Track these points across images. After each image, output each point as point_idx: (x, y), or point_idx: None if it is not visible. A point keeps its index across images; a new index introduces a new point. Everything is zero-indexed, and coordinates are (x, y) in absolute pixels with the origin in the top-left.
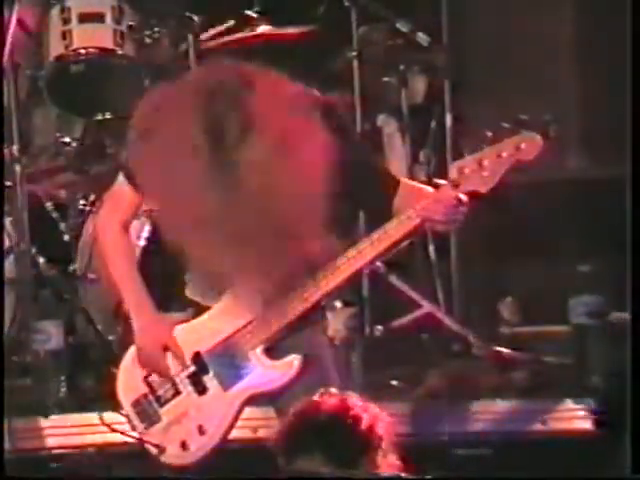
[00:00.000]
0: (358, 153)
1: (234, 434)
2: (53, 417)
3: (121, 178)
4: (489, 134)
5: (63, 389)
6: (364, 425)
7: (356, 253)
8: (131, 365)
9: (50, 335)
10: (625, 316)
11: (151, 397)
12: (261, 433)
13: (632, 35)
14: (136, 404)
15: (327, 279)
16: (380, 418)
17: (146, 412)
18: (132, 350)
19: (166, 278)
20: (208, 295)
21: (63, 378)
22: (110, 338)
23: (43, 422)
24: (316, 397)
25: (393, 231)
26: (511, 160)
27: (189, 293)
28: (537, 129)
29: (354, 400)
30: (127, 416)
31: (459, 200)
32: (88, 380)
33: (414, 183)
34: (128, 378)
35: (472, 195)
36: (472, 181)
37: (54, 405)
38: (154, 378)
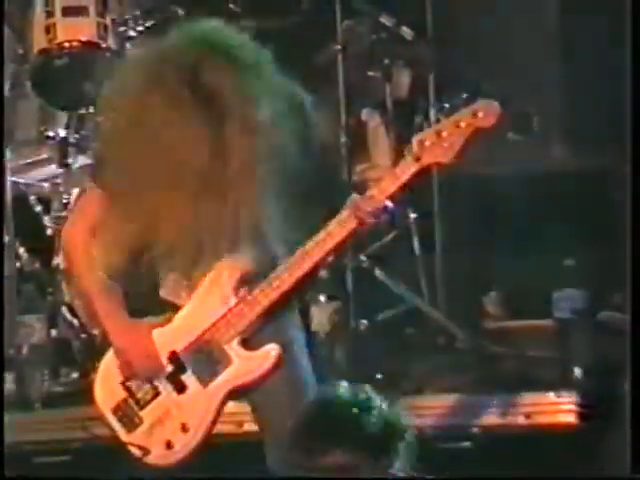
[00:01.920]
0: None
1: (220, 429)
2: (36, 411)
3: (88, 182)
4: (446, 105)
5: (46, 383)
6: (381, 417)
7: (303, 254)
8: (107, 372)
9: (33, 329)
10: (613, 315)
11: (131, 401)
12: (246, 427)
13: (632, 35)
14: (116, 410)
15: (297, 266)
16: (400, 412)
17: (127, 416)
18: (107, 358)
19: (141, 282)
20: (180, 295)
21: (46, 372)
22: (94, 331)
23: (26, 416)
24: (329, 387)
25: (336, 232)
26: (470, 129)
27: (163, 293)
28: (495, 97)
29: (368, 392)
30: (107, 422)
31: (385, 205)
32: (71, 374)
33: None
34: (106, 386)
35: (435, 166)
36: (433, 153)
37: (37, 399)
38: (132, 382)
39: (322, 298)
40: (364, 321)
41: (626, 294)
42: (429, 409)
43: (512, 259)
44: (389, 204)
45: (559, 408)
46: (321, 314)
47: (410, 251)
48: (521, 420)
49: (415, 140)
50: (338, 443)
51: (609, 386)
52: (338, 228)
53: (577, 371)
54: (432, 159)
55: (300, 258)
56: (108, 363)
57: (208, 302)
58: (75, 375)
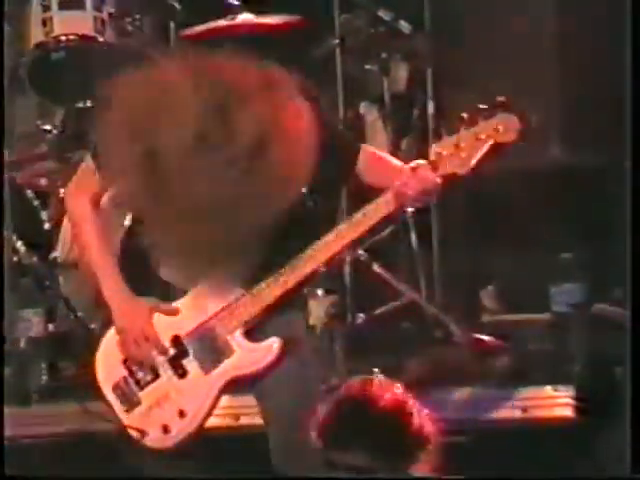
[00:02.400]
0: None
1: (217, 422)
2: (34, 405)
3: (88, 157)
4: (465, 115)
5: (44, 377)
6: (416, 423)
7: (334, 237)
8: (110, 349)
9: (31, 323)
10: (605, 307)
11: (131, 380)
12: (243, 421)
13: (632, 34)
14: (116, 387)
15: (306, 263)
16: (429, 417)
17: (126, 395)
18: (110, 334)
19: (140, 259)
20: (182, 279)
21: (44, 366)
22: (91, 326)
23: (24, 410)
24: (359, 383)
25: (372, 214)
26: (489, 142)
27: (163, 275)
28: (514, 112)
29: (404, 394)
30: (107, 400)
31: (435, 181)
32: (69, 368)
33: (380, 153)
34: (107, 362)
35: (450, 177)
36: (450, 163)
37: (35, 393)
38: (133, 361)
39: (319, 292)
40: (361, 315)
41: (626, 291)
42: (426, 403)
43: (509, 253)
44: (438, 180)
45: (556, 402)
46: (318, 308)
47: (408, 245)
48: (518, 414)
49: (433, 149)
50: (365, 445)
51: (606, 380)
52: (346, 229)
53: (574, 365)
54: (449, 169)
55: (307, 257)
56: (110, 340)
57: (215, 290)
58: (73, 369)
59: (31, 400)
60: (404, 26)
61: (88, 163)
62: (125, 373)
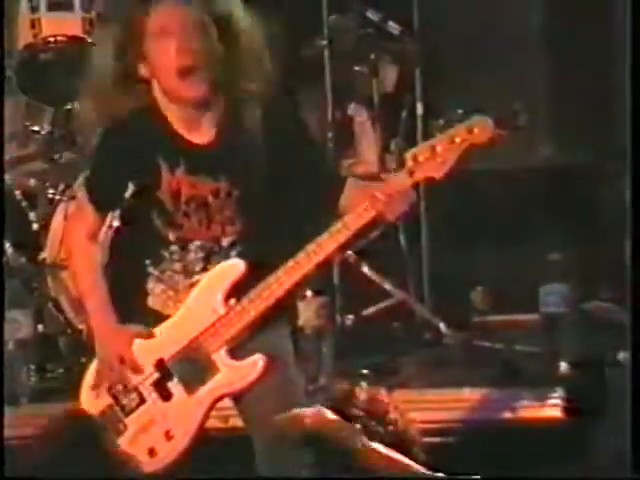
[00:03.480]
0: (306, 152)
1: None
2: (22, 406)
3: (83, 194)
4: (441, 121)
5: (32, 378)
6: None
7: (316, 247)
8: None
9: (20, 324)
10: (599, 304)
11: (116, 407)
12: (232, 423)
13: (632, 33)
14: (102, 415)
15: (288, 275)
16: (413, 421)
17: (112, 423)
18: (95, 363)
19: (129, 289)
20: (168, 305)
21: (32, 367)
22: (80, 327)
23: (12, 411)
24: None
25: (352, 223)
26: (464, 145)
27: (151, 303)
28: (492, 115)
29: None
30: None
31: (407, 191)
32: (57, 369)
33: (360, 181)
34: (93, 390)
35: (427, 181)
36: (426, 168)
37: (23, 394)
38: (118, 388)
39: (308, 293)
40: (350, 316)
41: (626, 291)
42: (415, 404)
43: (498, 254)
44: (412, 192)
45: (545, 403)
46: (307, 309)
47: (397, 246)
48: (507, 415)
49: (409, 155)
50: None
51: (595, 380)
52: (327, 239)
53: (563, 365)
54: (425, 174)
55: (290, 268)
56: (94, 368)
57: (197, 310)
58: (61, 370)
59: (19, 401)
60: (393, 27)
61: (82, 194)
62: (110, 401)
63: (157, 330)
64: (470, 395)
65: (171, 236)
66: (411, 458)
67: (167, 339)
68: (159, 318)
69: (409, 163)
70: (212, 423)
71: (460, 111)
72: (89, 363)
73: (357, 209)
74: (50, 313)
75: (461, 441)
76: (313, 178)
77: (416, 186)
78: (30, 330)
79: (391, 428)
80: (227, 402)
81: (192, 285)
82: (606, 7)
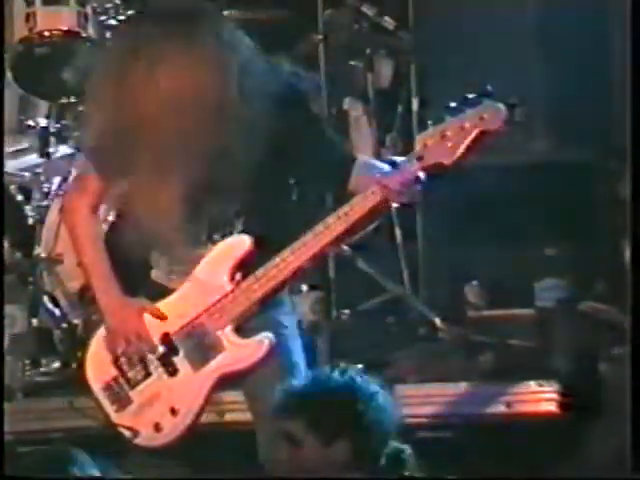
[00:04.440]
0: (317, 129)
1: (201, 419)
2: (18, 401)
3: (82, 159)
4: (452, 104)
5: (28, 373)
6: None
7: (323, 229)
8: (99, 349)
9: (15, 319)
10: (594, 305)
11: (121, 380)
12: (228, 417)
13: (632, 31)
14: (106, 388)
15: (295, 255)
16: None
17: (117, 395)
18: (99, 334)
19: (132, 262)
20: (173, 278)
21: (28, 362)
22: (75, 321)
23: (7, 406)
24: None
25: (359, 206)
26: (475, 131)
27: (154, 276)
28: (500, 99)
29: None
30: (97, 400)
31: (417, 176)
32: (53, 364)
33: (372, 160)
34: (97, 362)
35: (436, 167)
36: (435, 153)
37: (19, 389)
38: (124, 360)
39: (304, 287)
40: (346, 310)
41: (627, 291)
42: (411, 398)
43: (494, 249)
44: (421, 175)
45: (540, 397)
46: (303, 304)
47: (392, 241)
48: (502, 409)
49: (418, 139)
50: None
51: (590, 375)
52: (335, 221)
53: (558, 360)
54: (434, 159)
55: (297, 249)
56: (100, 340)
57: (203, 286)
58: (56, 365)
59: (15, 396)
60: (388, 22)
61: (84, 166)
62: (116, 373)
63: (162, 303)
64: (465, 389)
65: None
66: None
67: (173, 313)
68: (163, 291)
69: (418, 148)
70: (208, 418)
71: (472, 95)
72: (80, 365)
73: (364, 193)
74: (45, 308)
75: (456, 435)
76: (321, 157)
77: (426, 171)
78: (25, 325)
79: None
80: (223, 397)
81: (197, 258)
82: (606, 2)
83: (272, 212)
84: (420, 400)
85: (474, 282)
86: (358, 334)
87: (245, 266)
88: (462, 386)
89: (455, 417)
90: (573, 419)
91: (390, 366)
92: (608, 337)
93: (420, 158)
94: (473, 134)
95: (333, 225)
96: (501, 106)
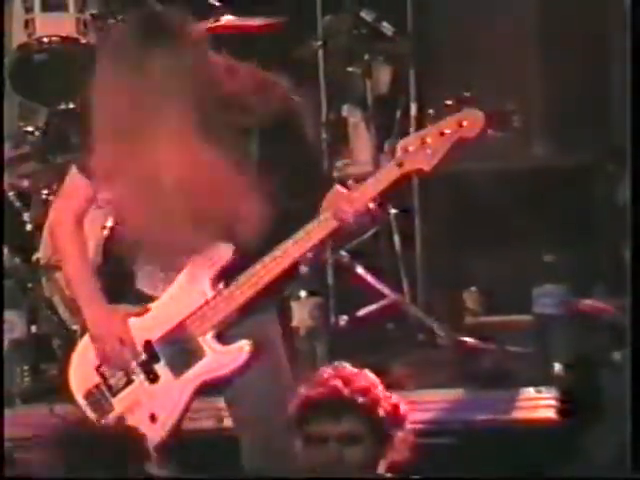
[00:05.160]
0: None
1: (200, 424)
2: (16, 407)
3: (74, 169)
4: (431, 112)
5: (27, 379)
6: (385, 407)
7: (281, 253)
8: (82, 357)
9: (13, 325)
10: (592, 305)
11: (103, 387)
12: (227, 423)
13: (632, 32)
14: (88, 395)
15: (275, 262)
16: (400, 406)
17: (99, 402)
18: (83, 343)
19: (118, 272)
20: (156, 287)
21: (27, 368)
22: (74, 327)
23: (6, 412)
24: (329, 370)
25: (314, 233)
26: (454, 137)
27: (139, 285)
28: (477, 105)
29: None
30: (79, 408)
31: (368, 207)
32: (52, 370)
33: (339, 187)
34: (80, 369)
35: (416, 173)
36: (415, 159)
37: (18, 395)
38: (106, 367)
39: (302, 293)
40: (344, 316)
41: (627, 291)
42: (408, 404)
43: (492, 255)
44: (371, 206)
45: (539, 403)
46: (301, 310)
47: (391, 247)
48: (501, 415)
49: (399, 146)
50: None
51: (588, 381)
52: (317, 228)
53: (557, 366)
54: (414, 165)
55: (278, 256)
56: (84, 347)
57: (185, 293)
58: (55, 371)
59: (14, 402)
60: (387, 27)
61: (73, 173)
62: (98, 380)
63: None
64: (464, 396)
65: None
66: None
67: (155, 321)
68: (147, 300)
69: (398, 154)
70: (206, 423)
71: (450, 102)
72: (63, 372)
73: (318, 219)
74: (44, 314)
75: (454, 442)
76: (302, 176)
77: (406, 177)
78: (24, 331)
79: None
80: (222, 402)
81: (181, 267)
82: (606, 2)
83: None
84: (418, 406)
85: (472, 288)
86: (356, 340)
87: (228, 274)
88: (460, 392)
89: (453, 423)
90: (572, 425)
91: (388, 372)
92: (607, 342)
93: (401, 164)
94: (452, 141)
95: (290, 250)
96: (479, 113)
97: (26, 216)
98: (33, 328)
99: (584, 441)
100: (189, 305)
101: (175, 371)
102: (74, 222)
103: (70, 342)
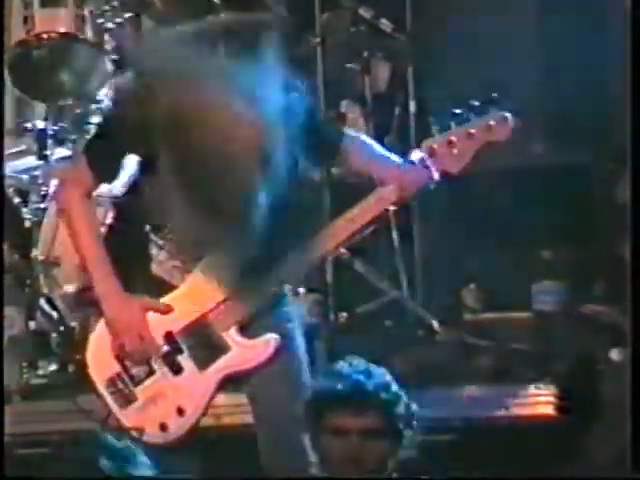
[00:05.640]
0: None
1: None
2: (15, 404)
3: (83, 159)
4: (457, 111)
5: (25, 376)
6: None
7: (332, 229)
8: (101, 345)
9: (12, 321)
10: (596, 308)
11: (125, 376)
12: (225, 420)
13: (632, 32)
14: (110, 384)
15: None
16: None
17: (121, 391)
18: (99, 330)
19: (131, 256)
20: (174, 274)
21: (25, 365)
22: (72, 324)
23: (5, 408)
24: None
25: (372, 205)
26: (482, 141)
27: (155, 270)
28: (506, 107)
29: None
30: (101, 397)
31: (433, 176)
32: (50, 366)
33: (371, 142)
34: (99, 358)
35: (442, 175)
36: (442, 161)
37: (16, 392)
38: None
39: (302, 290)
40: (344, 313)
41: (627, 291)
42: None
43: (491, 252)
44: (436, 176)
45: (538, 400)
46: (300, 307)
47: (389, 244)
48: (500, 412)
49: (424, 146)
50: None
51: (588, 378)
52: (342, 225)
53: (555, 363)
54: (441, 167)
55: (300, 253)
56: (100, 335)
57: (208, 285)
58: (54, 367)
59: (12, 398)
60: (385, 24)
61: (81, 158)
62: (119, 369)
63: (165, 300)
64: (463, 393)
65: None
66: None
67: (176, 311)
68: (163, 286)
69: (425, 154)
70: (205, 421)
71: (477, 103)
72: (82, 360)
73: (383, 191)
74: (42, 310)
75: (454, 439)
76: (311, 133)
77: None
78: (22, 327)
79: None
80: (220, 399)
81: (200, 255)
82: (606, 3)
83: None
84: (418, 403)
85: (472, 285)
86: (356, 337)
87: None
88: (459, 389)
89: (453, 420)
90: (571, 422)
91: (388, 369)
92: (606, 339)
93: (426, 167)
94: (480, 144)
95: (311, 247)
96: (509, 116)
97: (24, 212)
98: (31, 324)
99: (583, 438)
100: (212, 297)
101: (199, 364)
102: (83, 198)
103: (69, 339)
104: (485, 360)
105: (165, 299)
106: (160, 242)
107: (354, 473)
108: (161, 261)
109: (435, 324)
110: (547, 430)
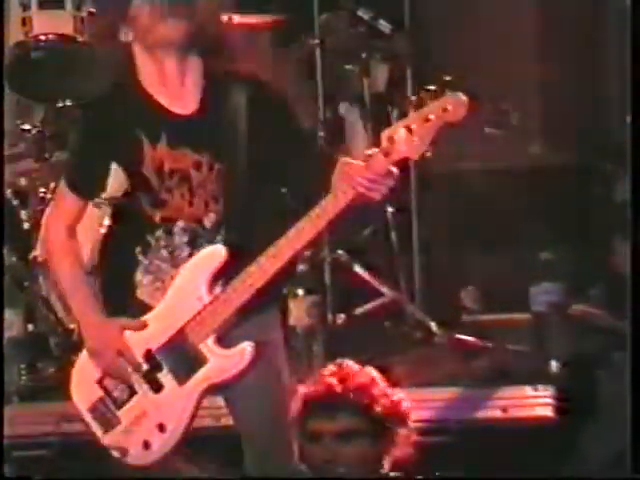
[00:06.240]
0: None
1: (197, 423)
2: (13, 405)
3: (62, 183)
4: (413, 98)
5: (24, 377)
6: (385, 404)
7: (296, 233)
8: (83, 370)
9: (10, 323)
10: (585, 309)
11: (107, 400)
12: (224, 422)
13: (632, 32)
14: (93, 409)
15: (270, 262)
16: (401, 402)
17: (104, 416)
18: (82, 356)
19: (118, 282)
20: (156, 296)
21: (24, 366)
22: (71, 326)
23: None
24: (330, 368)
25: (330, 207)
26: (439, 123)
27: (139, 295)
28: (461, 89)
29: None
30: (85, 422)
31: (388, 170)
32: (49, 368)
33: (348, 159)
34: (82, 384)
35: (403, 162)
36: (402, 148)
37: (14, 393)
38: (108, 380)
39: (300, 292)
40: (342, 315)
41: (627, 291)
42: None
43: (489, 253)
44: (393, 169)
45: (536, 402)
46: (299, 308)
47: (388, 245)
48: (498, 414)
49: (384, 135)
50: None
51: (585, 379)
52: (307, 224)
53: (553, 364)
54: (401, 154)
55: (271, 255)
56: (83, 361)
57: (182, 300)
58: (52, 369)
59: (10, 400)
60: (384, 25)
61: (62, 188)
62: (101, 393)
63: (142, 320)
64: (461, 394)
65: (157, 217)
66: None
67: (153, 330)
68: (147, 310)
69: (384, 144)
70: (204, 422)
71: (432, 88)
72: (70, 381)
73: (334, 192)
74: (41, 312)
75: (451, 440)
76: (298, 160)
77: (394, 166)
78: (21, 329)
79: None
80: (219, 401)
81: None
82: (606, 3)
83: (251, 218)
84: (415, 404)
85: (470, 287)
86: (354, 338)
87: (224, 276)
88: (457, 390)
89: (450, 422)
90: (568, 423)
91: (385, 370)
92: (604, 340)
93: (387, 154)
94: (438, 126)
95: (305, 229)
96: (463, 97)
97: (23, 214)
98: (30, 326)
99: (581, 439)
100: (187, 311)
101: (179, 379)
102: (66, 235)
103: (67, 341)
104: (483, 361)
105: (144, 317)
106: (146, 262)
107: (334, 475)
108: (146, 285)
109: (433, 325)
110: (545, 431)
